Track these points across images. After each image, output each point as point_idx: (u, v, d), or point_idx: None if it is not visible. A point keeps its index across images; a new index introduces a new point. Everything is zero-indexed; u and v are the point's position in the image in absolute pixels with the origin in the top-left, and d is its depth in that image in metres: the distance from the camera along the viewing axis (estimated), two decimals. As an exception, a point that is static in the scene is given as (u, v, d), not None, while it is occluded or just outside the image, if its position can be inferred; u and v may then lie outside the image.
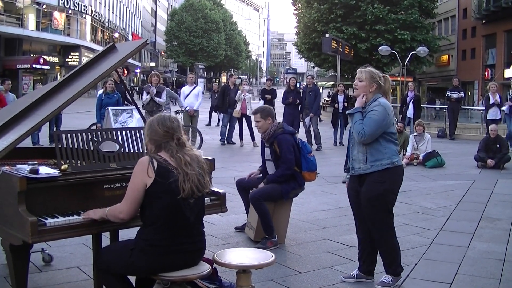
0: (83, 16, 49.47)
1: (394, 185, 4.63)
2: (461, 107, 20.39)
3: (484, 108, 17.21)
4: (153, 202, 3.37)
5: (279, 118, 14.23)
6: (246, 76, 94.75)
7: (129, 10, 69.98)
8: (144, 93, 12.66)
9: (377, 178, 4.53)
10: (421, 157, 12.43)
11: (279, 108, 15.86)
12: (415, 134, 13.18)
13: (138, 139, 4.25)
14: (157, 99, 12.13)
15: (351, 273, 4.88)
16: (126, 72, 43.10)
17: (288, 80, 16.56)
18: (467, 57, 45.53)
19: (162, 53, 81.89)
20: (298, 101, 15.03)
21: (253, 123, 6.24)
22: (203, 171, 3.50)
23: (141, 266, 3.38)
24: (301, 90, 16.56)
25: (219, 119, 20.10)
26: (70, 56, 45.77)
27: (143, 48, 5.01)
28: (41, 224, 3.38)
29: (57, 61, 45.01)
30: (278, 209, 6.01)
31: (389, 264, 4.68)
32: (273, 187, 5.89)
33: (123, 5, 66.87)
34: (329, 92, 53.23)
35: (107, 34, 58.38)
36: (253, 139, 15.15)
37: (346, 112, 4.78)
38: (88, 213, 3.60)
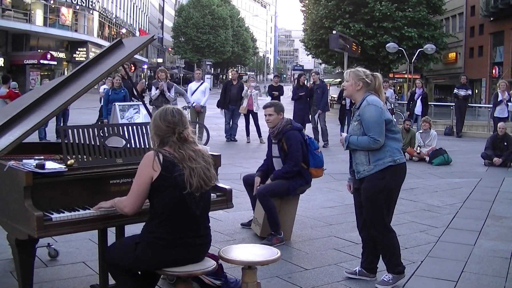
0: (91, 11, 49.58)
1: (395, 181, 4.58)
2: (468, 104, 20.31)
3: (492, 105, 17.13)
4: (158, 195, 3.38)
5: (288, 114, 14.29)
6: (253, 73, 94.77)
7: (136, 6, 70.03)
8: (153, 88, 12.70)
9: (377, 174, 4.49)
10: (426, 156, 12.40)
11: (286, 105, 15.77)
12: (421, 131, 13.15)
13: (145, 134, 4.25)
14: (167, 94, 12.24)
15: (354, 269, 4.87)
16: (133, 68, 43.22)
17: (297, 76, 16.49)
18: (474, 55, 45.35)
19: (169, 49, 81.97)
20: (310, 91, 14.96)
21: (261, 118, 6.23)
22: (208, 164, 3.50)
23: (145, 259, 3.39)
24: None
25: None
26: (77, 52, 45.92)
27: (150, 44, 4.97)
28: (47, 219, 3.38)
29: (64, 57, 45.17)
30: (284, 205, 6.01)
31: (388, 262, 4.67)
32: (280, 183, 5.88)
33: (131, 1, 66.93)
34: None
35: (115, 30, 58.47)
36: (259, 135, 15.13)
37: (345, 149, 4.73)
38: (100, 204, 3.61)
